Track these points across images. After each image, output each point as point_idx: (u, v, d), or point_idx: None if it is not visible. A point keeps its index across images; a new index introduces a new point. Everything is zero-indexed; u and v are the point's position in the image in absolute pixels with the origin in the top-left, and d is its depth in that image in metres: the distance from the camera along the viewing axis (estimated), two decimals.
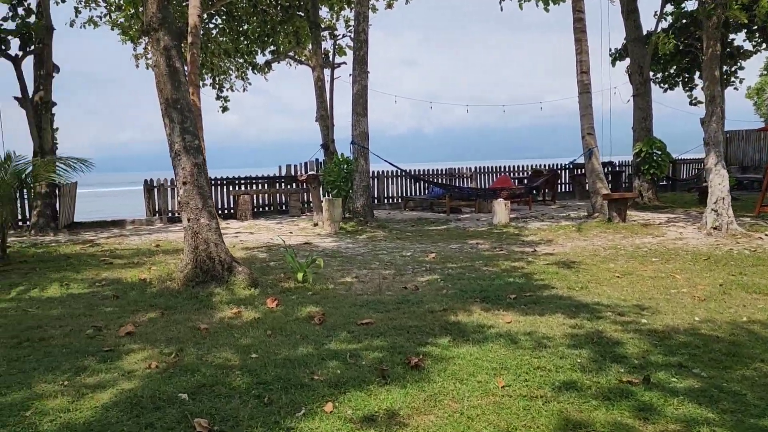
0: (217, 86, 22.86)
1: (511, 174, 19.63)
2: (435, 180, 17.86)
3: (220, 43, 21.43)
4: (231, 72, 22.87)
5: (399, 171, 17.59)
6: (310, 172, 13.66)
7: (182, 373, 4.33)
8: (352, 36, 14.71)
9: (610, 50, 19.44)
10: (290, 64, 22.33)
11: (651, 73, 18.31)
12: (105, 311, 6.27)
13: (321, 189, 14.58)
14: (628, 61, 17.79)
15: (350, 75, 14.80)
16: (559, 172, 19.23)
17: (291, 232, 13.05)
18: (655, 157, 16.50)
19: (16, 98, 13.78)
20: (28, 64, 13.94)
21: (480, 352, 4.68)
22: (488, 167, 19.78)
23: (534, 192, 17.35)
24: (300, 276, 7.27)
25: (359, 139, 14.45)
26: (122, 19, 20.15)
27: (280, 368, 4.40)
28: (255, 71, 22.33)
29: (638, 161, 16.86)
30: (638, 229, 12.01)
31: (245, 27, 21.15)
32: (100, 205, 33.76)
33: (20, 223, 14.10)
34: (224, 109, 23.09)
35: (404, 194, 18.51)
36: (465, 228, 13.27)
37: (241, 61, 22.38)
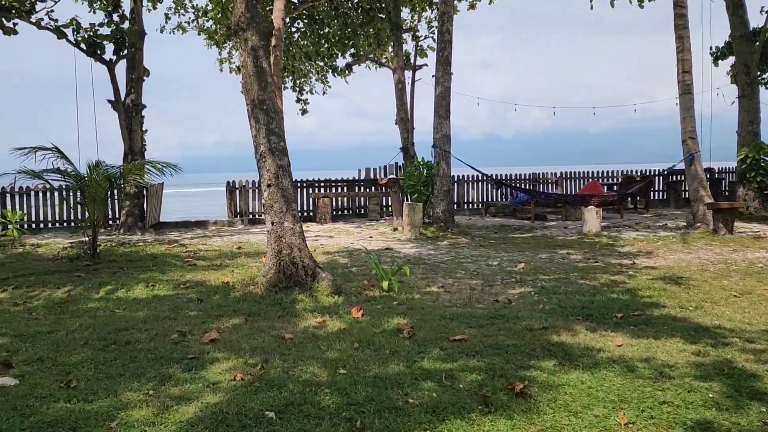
0: (298, 89, 23.10)
1: (599, 180, 18.65)
2: (518, 185, 17.18)
3: (301, 47, 21.60)
4: (311, 75, 23.02)
5: (481, 176, 17.04)
6: (390, 176, 13.37)
7: (268, 387, 4.07)
8: (435, 37, 14.33)
9: (711, 48, 18.12)
10: (369, 67, 22.22)
11: (759, 73, 16.90)
12: (189, 315, 6.15)
13: (401, 193, 14.25)
14: (731, 59, 16.51)
15: (432, 77, 14.43)
16: (653, 178, 18.09)
17: (371, 237, 12.80)
18: (762, 164, 15.18)
19: (109, 101, 14.25)
20: (120, 68, 14.41)
21: (593, 380, 4.17)
22: (574, 172, 18.88)
23: (626, 200, 16.35)
24: (385, 284, 6.94)
25: (441, 143, 14.03)
26: (209, 23, 20.65)
27: (371, 387, 4.06)
28: (335, 74, 22.36)
29: (743, 168, 15.58)
30: (749, 242, 10.98)
31: (326, 30, 21.22)
32: (184, 205, 34.99)
33: (110, 222, 14.57)
34: (303, 111, 23.28)
35: (485, 200, 17.93)
36: (553, 236, 12.60)
37: (321, 64, 22.49)
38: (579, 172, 18.92)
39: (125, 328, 5.66)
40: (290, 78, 22.95)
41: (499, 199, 18.06)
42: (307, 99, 22.85)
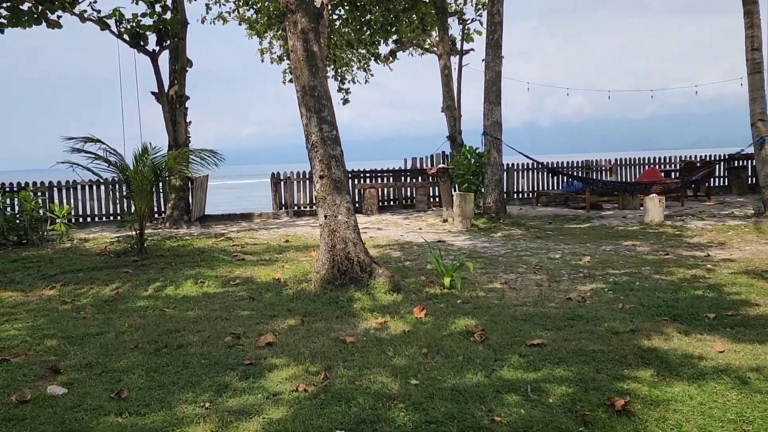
0: (339, 78, 22.71)
1: (656, 167, 17.75)
2: (571, 173, 16.43)
3: (343, 34, 21.17)
4: (353, 63, 22.60)
5: (532, 164, 16.38)
6: (440, 165, 12.88)
7: (335, 401, 3.68)
8: (486, 18, 13.72)
9: None
10: (412, 54, 21.64)
11: None
12: (241, 315, 5.82)
13: (451, 183, 13.73)
14: None
15: (482, 61, 13.83)
16: (716, 164, 17.11)
17: (420, 229, 12.34)
18: None
19: (152, 93, 14.09)
20: (163, 59, 14.24)
21: (703, 395, 3.65)
22: (628, 159, 18.01)
23: (690, 187, 15.46)
24: (447, 281, 6.49)
25: (492, 130, 13.46)
26: (250, 12, 20.42)
27: (449, 402, 3.63)
28: (378, 61, 21.87)
29: None
30: None
31: (368, 17, 20.75)
32: (226, 197, 35.10)
33: (156, 215, 14.47)
34: (345, 101, 22.85)
35: (535, 189, 17.25)
36: (612, 226, 11.92)
37: (363, 51, 22.03)
38: (633, 159, 18.05)
39: (176, 329, 5.35)
40: (332, 67, 22.55)
41: (550, 188, 17.35)
42: (348, 88, 22.44)
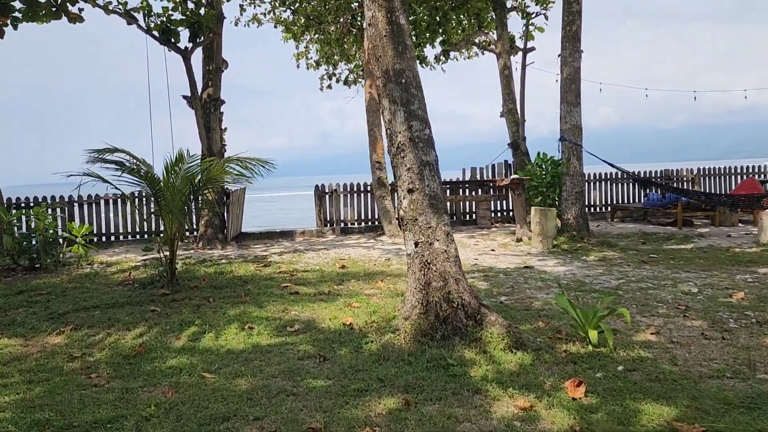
0: None
1: (751, 177, 15.70)
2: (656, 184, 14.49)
3: None
4: None
5: (615, 174, 14.49)
6: (513, 176, 11.10)
7: None
8: (561, 8, 11.94)
9: None
10: (465, 54, 19.90)
11: None
12: (314, 387, 4.09)
13: (525, 196, 11.90)
14: None
15: (558, 56, 12.02)
16: None
17: (493, 250, 10.53)
18: None
19: (184, 97, 12.59)
20: (196, 59, 12.76)
21: None
22: (713, 169, 15.98)
23: None
24: (593, 335, 4.67)
25: (571, 134, 11.63)
26: (287, 13, 19.00)
27: None
28: (423, 65, 20.25)
29: None
30: None
31: (412, 17, 19.15)
32: (260, 210, 33.69)
33: (186, 234, 12.92)
34: None
35: (611, 202, 15.31)
36: (724, 248, 9.96)
37: None
38: (718, 169, 16.01)
39: (224, 415, 3.65)
40: None
41: (626, 201, 15.41)
42: None
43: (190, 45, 11.94)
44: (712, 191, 15.33)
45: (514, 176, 11.14)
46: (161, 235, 7.62)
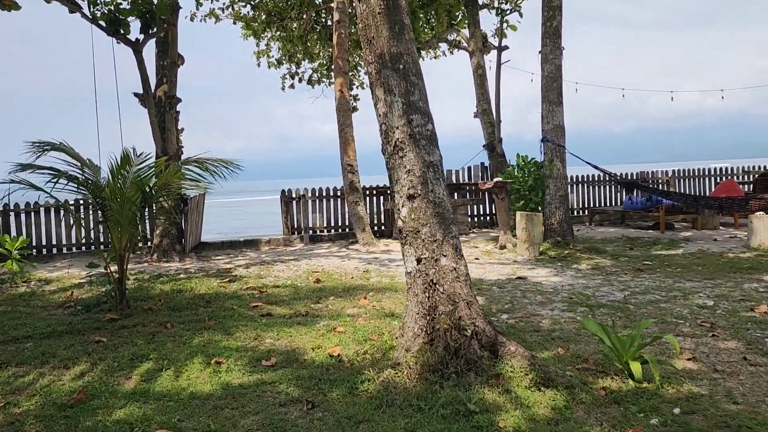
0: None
1: (732, 178, 15.45)
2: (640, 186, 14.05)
3: (351, 33, 18.77)
4: (361, 67, 20.19)
5: (596, 176, 13.99)
6: (497, 179, 10.39)
7: None
8: (541, 3, 11.33)
9: None
10: (432, 53, 19.21)
11: None
12: None
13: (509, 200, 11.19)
14: None
15: (539, 53, 11.40)
16: None
17: (477, 259, 9.79)
18: None
19: (136, 95, 11.49)
20: (149, 54, 11.66)
21: None
22: (689, 171, 15.67)
23: None
24: (636, 368, 3.91)
25: (553, 135, 11.03)
26: (246, 8, 18.00)
27: None
28: None
29: None
30: None
31: None
32: (216, 216, 32.38)
33: (139, 244, 11.79)
34: (354, 109, 20.40)
35: (588, 205, 14.81)
36: (716, 253, 9.47)
37: None
38: (694, 171, 15.72)
39: None
40: None
41: (603, 204, 14.95)
42: (357, 95, 20.02)
43: (141, 37, 10.85)
44: (689, 193, 15.00)
45: (497, 179, 10.45)
46: (109, 248, 6.56)
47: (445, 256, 4.22)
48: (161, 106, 11.36)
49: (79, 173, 6.09)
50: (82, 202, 11.12)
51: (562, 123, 11.14)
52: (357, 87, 20.22)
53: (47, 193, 5.83)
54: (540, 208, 11.26)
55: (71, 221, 11.03)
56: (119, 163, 6.03)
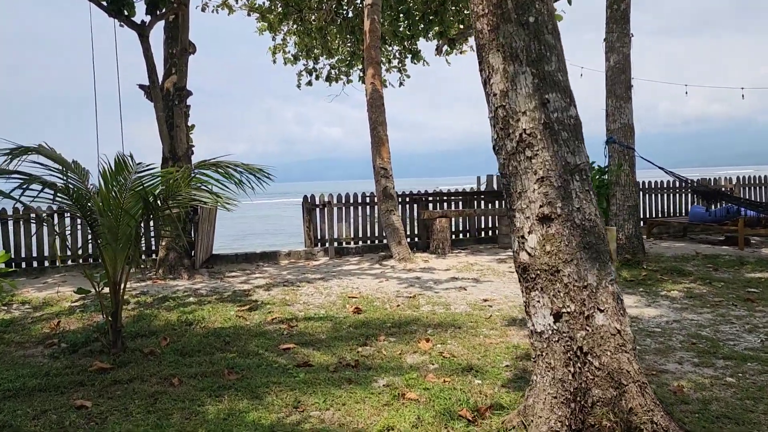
0: None
1: None
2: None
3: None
4: (382, 63, 18.76)
5: (650, 183, 12.49)
6: None
7: None
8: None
9: None
10: (459, 48, 17.75)
11: None
12: None
13: None
14: None
15: (603, 41, 9.92)
16: None
17: None
18: None
19: (141, 87, 10.10)
20: (156, 41, 10.27)
21: None
22: (756, 178, 14.12)
23: None
24: None
25: (620, 135, 9.53)
26: None
27: None
28: (414, 60, 18.10)
29: None
30: None
31: (403, 6, 16.98)
32: (227, 222, 31.03)
33: (142, 256, 10.36)
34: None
35: (644, 215, 13.28)
36: None
37: (397, 48, 18.40)
38: (761, 178, 14.17)
39: None
40: (359, 68, 18.85)
41: (664, 214, 13.41)
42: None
43: (148, 19, 9.44)
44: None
45: None
46: (101, 272, 5.10)
47: (601, 310, 2.74)
48: (169, 99, 9.94)
49: (59, 178, 4.63)
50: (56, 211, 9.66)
51: (631, 122, 9.65)
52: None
53: (15, 199, 4.36)
54: (606, 220, 9.72)
55: (69, 229, 9.57)
56: (114, 167, 4.58)
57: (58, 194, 4.56)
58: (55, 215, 9.60)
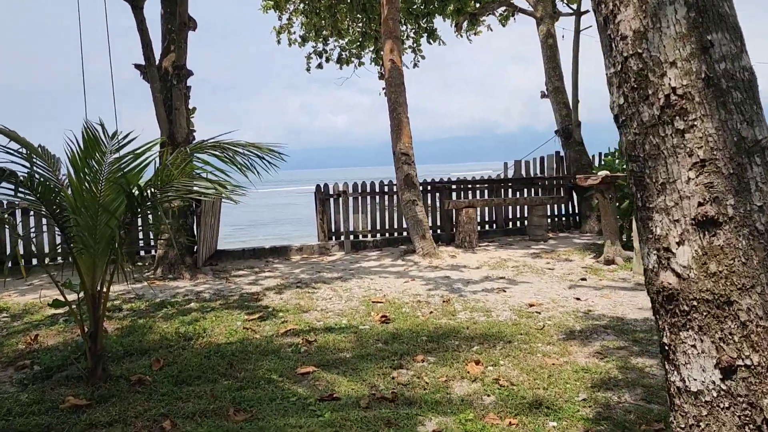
0: (381, 62, 17.82)
1: None
2: None
3: None
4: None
5: None
6: (603, 173, 7.87)
7: None
8: None
9: None
10: (477, 26, 16.63)
11: None
12: None
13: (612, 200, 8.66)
14: None
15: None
16: None
17: (584, 279, 7.34)
18: None
19: (137, 66, 9.14)
20: (152, 15, 9.32)
21: None
22: None
23: None
24: None
25: None
26: None
27: None
28: (430, 40, 17.03)
29: None
30: None
31: None
32: (232, 210, 30.22)
33: (140, 252, 9.47)
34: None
35: None
36: None
37: (410, 28, 17.34)
38: None
39: None
40: (371, 49, 17.87)
41: None
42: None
43: None
44: None
45: (604, 173, 7.95)
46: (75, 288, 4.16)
47: None
48: (167, 80, 8.97)
49: (23, 167, 3.69)
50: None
51: None
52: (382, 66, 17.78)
53: None
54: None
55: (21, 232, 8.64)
56: (83, 146, 3.62)
57: (20, 189, 3.62)
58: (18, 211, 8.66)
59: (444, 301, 6.26)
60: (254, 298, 6.67)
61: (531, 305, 6.03)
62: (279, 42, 18.06)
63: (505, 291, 6.74)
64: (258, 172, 4.25)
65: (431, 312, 5.84)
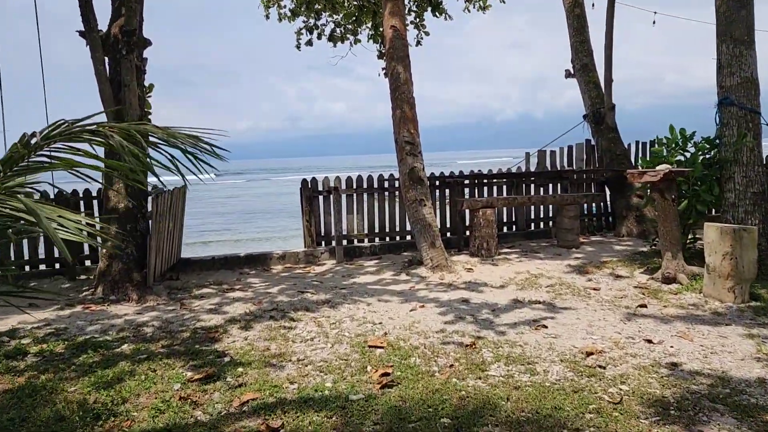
0: (379, 40, 16.04)
1: None
2: None
3: None
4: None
5: None
6: (663, 167, 6.15)
7: None
8: None
9: None
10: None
11: None
12: None
13: (672, 201, 6.92)
14: None
15: None
16: None
17: (643, 306, 5.64)
18: None
19: (80, 33, 7.39)
20: None
21: None
22: None
23: None
24: None
25: (741, 94, 6.81)
26: None
27: None
28: (437, 13, 15.24)
29: None
30: None
31: None
32: (199, 206, 28.55)
33: (78, 265, 7.77)
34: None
35: None
36: None
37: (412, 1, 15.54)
38: None
39: None
40: (370, 25, 16.03)
41: None
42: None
43: None
44: None
45: (663, 167, 6.25)
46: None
47: None
48: (116, 50, 7.22)
49: None
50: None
51: (755, 74, 6.91)
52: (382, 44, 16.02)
53: None
54: (720, 211, 7.10)
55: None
56: None
57: None
58: None
59: (466, 346, 4.57)
60: (210, 337, 4.97)
61: (589, 353, 4.35)
62: (268, 17, 16.20)
63: (546, 326, 5.05)
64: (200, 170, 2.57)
65: (451, 366, 4.15)
